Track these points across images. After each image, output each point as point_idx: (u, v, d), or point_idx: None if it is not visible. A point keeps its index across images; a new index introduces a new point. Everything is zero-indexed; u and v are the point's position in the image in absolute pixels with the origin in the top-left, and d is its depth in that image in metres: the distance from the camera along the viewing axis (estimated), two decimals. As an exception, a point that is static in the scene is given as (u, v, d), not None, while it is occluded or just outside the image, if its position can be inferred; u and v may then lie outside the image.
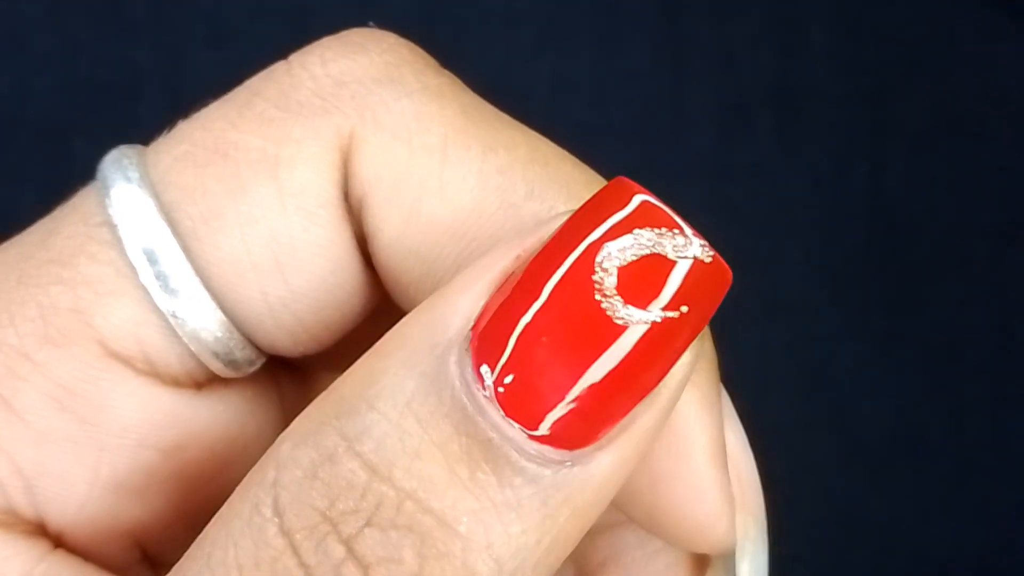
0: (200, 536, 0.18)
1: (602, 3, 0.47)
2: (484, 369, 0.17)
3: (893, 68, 0.47)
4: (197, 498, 0.22)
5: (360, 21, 0.23)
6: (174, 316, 0.21)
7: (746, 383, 0.24)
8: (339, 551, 0.17)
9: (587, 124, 0.46)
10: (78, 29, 0.46)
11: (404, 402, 0.17)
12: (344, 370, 0.18)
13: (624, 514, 0.22)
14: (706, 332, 0.21)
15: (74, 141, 0.45)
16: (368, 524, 0.17)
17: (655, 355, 0.17)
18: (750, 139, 0.47)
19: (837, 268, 0.46)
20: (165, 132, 0.22)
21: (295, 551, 0.17)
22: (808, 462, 0.44)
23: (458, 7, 0.47)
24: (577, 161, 0.21)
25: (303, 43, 0.22)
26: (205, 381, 0.22)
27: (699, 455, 0.20)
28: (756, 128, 0.47)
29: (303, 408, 0.18)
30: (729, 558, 0.22)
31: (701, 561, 0.23)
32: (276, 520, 0.17)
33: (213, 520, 0.18)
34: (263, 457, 0.18)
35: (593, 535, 0.24)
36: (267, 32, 0.46)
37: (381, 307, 0.22)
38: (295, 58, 0.22)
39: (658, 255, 0.17)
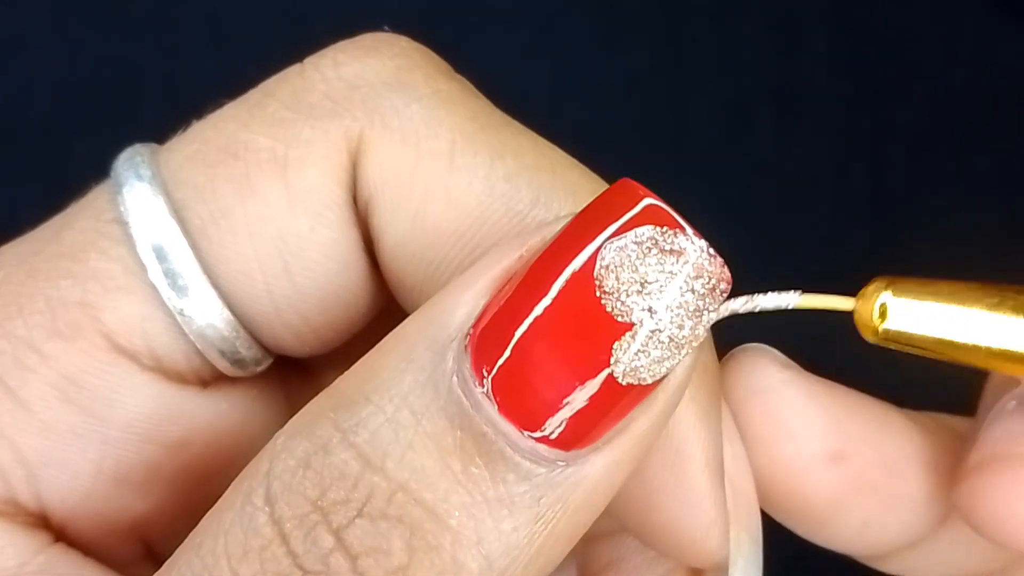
0: (195, 528, 0.18)
1: (602, 3, 0.47)
2: (484, 367, 0.17)
3: (893, 68, 0.47)
4: (201, 495, 0.22)
5: (360, 21, 0.23)
6: (181, 314, 0.21)
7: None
8: (328, 541, 0.17)
9: (587, 124, 0.46)
10: (78, 29, 0.46)
11: (400, 395, 0.17)
12: None
13: (619, 524, 0.22)
14: (709, 345, 0.21)
15: (74, 141, 0.45)
16: (359, 515, 0.17)
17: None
18: (750, 139, 0.47)
19: (837, 268, 0.46)
20: (180, 131, 0.22)
21: (284, 540, 0.17)
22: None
23: (458, 7, 0.47)
24: (585, 169, 0.21)
25: (303, 43, 0.22)
26: (211, 379, 0.22)
27: (693, 468, 0.20)
28: (756, 128, 0.47)
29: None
30: (722, 572, 0.21)
31: (700, 569, 0.22)
32: (267, 509, 0.17)
33: (208, 512, 0.18)
34: (260, 452, 0.18)
35: (595, 540, 0.24)
36: (267, 32, 0.46)
37: (389, 310, 0.22)
38: (309, 61, 0.22)
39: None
